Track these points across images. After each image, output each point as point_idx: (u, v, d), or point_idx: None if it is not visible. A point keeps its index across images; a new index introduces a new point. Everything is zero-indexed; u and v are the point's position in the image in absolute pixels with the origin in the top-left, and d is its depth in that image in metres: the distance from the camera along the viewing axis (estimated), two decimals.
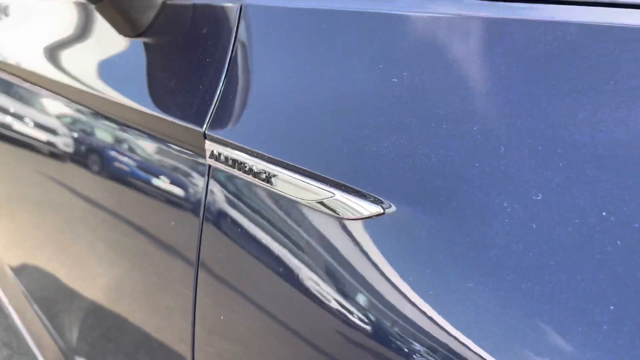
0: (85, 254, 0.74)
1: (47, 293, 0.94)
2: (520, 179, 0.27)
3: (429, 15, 0.33)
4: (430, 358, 0.28)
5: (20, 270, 1.04)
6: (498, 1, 0.32)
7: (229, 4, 0.48)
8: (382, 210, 0.31)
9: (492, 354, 0.25)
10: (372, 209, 0.31)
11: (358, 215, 0.32)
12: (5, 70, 0.93)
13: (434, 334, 0.28)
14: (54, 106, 0.77)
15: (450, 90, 0.30)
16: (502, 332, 0.25)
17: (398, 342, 0.29)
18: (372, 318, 0.31)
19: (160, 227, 0.54)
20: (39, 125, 0.81)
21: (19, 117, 0.88)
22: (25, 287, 1.03)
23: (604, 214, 0.24)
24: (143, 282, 0.59)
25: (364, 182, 0.32)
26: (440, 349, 0.27)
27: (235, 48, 0.46)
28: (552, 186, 0.26)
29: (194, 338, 0.50)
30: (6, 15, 0.97)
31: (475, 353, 0.26)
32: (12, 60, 0.88)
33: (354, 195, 0.33)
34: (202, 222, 0.46)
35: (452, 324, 0.27)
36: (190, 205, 0.48)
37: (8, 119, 0.93)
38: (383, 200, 0.31)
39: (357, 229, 0.32)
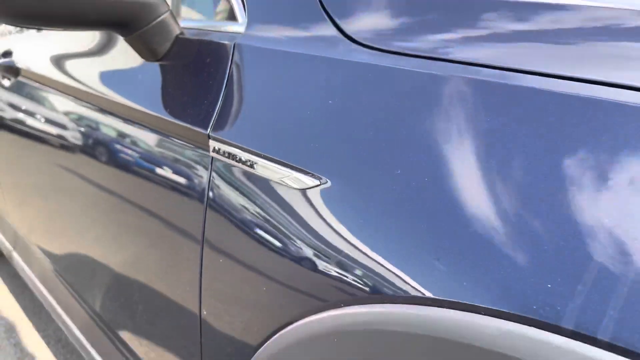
0: (103, 234, 0.92)
1: (72, 268, 1.12)
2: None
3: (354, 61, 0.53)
4: (360, 282, 0.46)
5: (49, 251, 1.23)
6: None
7: (226, 42, 0.67)
8: (319, 183, 0.50)
9: (410, 276, 0.43)
10: (313, 182, 0.51)
11: (305, 186, 0.51)
12: (42, 83, 1.12)
13: (363, 261, 0.46)
14: (86, 113, 0.96)
15: (372, 109, 0.50)
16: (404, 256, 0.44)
17: (338, 275, 0.48)
18: (323, 253, 0.50)
19: (172, 206, 0.72)
20: (72, 129, 1.00)
21: (50, 121, 1.07)
22: (54, 265, 1.22)
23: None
24: (156, 257, 0.78)
25: (310, 165, 0.51)
26: (369, 274, 0.46)
27: (230, 73, 0.65)
28: (444, 171, 0.45)
29: (201, 299, 0.68)
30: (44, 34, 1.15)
31: (395, 274, 0.44)
32: (53, 74, 1.06)
33: (302, 174, 0.52)
34: (207, 199, 0.65)
35: (365, 243, 0.46)
36: (197, 186, 0.67)
37: (39, 123, 1.11)
38: (321, 176, 0.50)
39: (305, 195, 0.52)
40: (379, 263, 0.44)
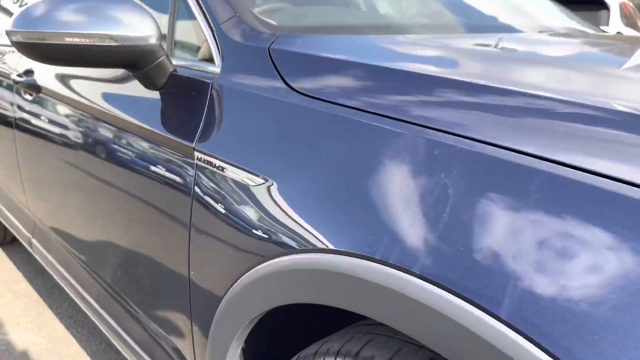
0: (111, 220, 1.18)
1: (85, 248, 1.39)
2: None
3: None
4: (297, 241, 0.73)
5: (65, 236, 1.49)
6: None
7: (207, 80, 0.94)
8: (264, 181, 0.77)
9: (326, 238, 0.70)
10: (261, 181, 0.78)
11: (253, 184, 0.78)
12: (60, 100, 1.38)
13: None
14: (97, 126, 1.22)
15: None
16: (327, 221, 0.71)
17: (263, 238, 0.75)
18: (262, 220, 0.77)
19: (167, 197, 0.99)
20: (85, 138, 1.26)
21: (66, 130, 1.33)
22: (70, 247, 1.49)
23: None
24: (155, 236, 1.04)
25: (260, 170, 0.78)
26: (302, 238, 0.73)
27: (210, 102, 0.92)
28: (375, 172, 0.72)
29: (189, 264, 0.95)
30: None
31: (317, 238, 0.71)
32: (69, 93, 1.32)
33: (255, 175, 0.79)
34: (193, 193, 0.91)
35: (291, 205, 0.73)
36: (186, 183, 0.94)
37: (56, 131, 1.37)
38: (267, 177, 0.77)
39: (257, 189, 0.79)
40: (303, 228, 0.71)
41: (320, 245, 0.68)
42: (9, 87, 1.70)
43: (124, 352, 1.28)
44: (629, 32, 6.90)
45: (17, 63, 1.66)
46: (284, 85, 0.83)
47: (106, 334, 1.38)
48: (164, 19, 1.11)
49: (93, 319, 1.46)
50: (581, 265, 0.48)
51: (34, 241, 1.75)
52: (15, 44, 0.97)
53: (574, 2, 6.97)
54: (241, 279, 0.78)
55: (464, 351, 0.52)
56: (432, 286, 0.55)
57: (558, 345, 0.46)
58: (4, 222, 2.14)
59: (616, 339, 0.43)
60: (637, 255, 0.46)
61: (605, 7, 6.83)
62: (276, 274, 0.73)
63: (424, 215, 0.60)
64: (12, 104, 1.67)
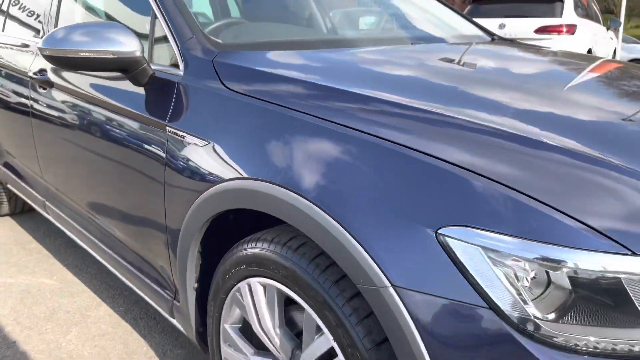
0: (107, 181, 1.67)
1: (90, 203, 1.88)
2: None
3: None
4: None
5: (74, 195, 1.99)
6: None
7: (174, 80, 1.43)
8: (208, 143, 1.27)
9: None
10: (205, 142, 1.28)
11: (202, 145, 1.28)
12: (67, 92, 1.86)
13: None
14: (97, 110, 1.70)
15: None
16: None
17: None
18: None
19: (148, 159, 1.48)
20: (87, 120, 1.74)
21: (72, 115, 1.81)
22: (74, 201, 1.98)
23: None
24: (142, 191, 1.53)
25: (205, 134, 1.28)
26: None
27: (177, 94, 1.41)
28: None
29: (165, 207, 1.44)
30: None
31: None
32: (75, 86, 1.80)
33: (201, 140, 1.29)
34: (166, 154, 1.41)
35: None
36: (160, 148, 1.43)
37: (65, 116, 1.85)
38: (209, 140, 1.27)
39: (204, 148, 1.28)
40: (231, 167, 1.20)
41: (240, 175, 1.18)
42: (25, 83, 2.17)
43: (119, 273, 1.78)
44: (581, 22, 7.41)
45: (31, 64, 2.14)
46: (222, 85, 1.33)
47: (105, 263, 1.88)
48: (145, 38, 1.59)
49: (94, 253, 1.96)
50: (351, 179, 0.99)
51: (48, 203, 2.24)
52: (45, 57, 1.46)
53: None
54: (197, 200, 1.28)
55: (301, 221, 1.03)
56: (290, 192, 1.06)
57: (336, 211, 0.96)
58: (19, 194, 2.62)
59: (368, 211, 0.94)
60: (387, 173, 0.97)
61: None
62: (217, 193, 1.22)
63: (293, 160, 1.10)
64: (28, 96, 2.14)
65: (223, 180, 1.21)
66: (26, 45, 2.28)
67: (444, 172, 0.90)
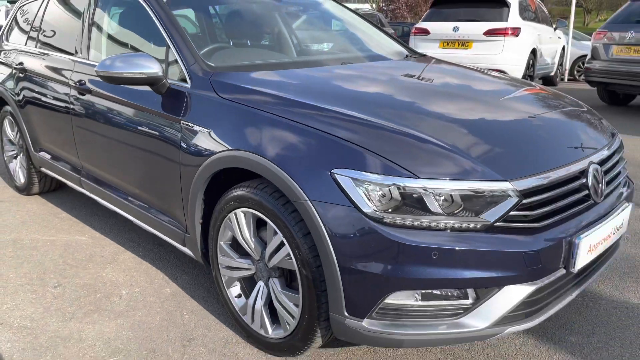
0: (131, 160, 2.46)
1: (115, 174, 2.68)
2: None
3: None
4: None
5: (101, 169, 2.78)
6: None
7: (184, 91, 2.24)
8: (207, 130, 2.08)
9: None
10: (205, 130, 2.09)
11: (203, 131, 2.09)
12: (103, 97, 2.65)
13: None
14: (128, 112, 2.49)
15: None
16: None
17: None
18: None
19: (168, 144, 2.27)
20: (121, 117, 2.53)
21: (103, 113, 2.59)
22: (105, 175, 2.78)
23: None
24: (159, 162, 2.33)
25: (204, 125, 2.10)
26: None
27: (186, 101, 2.22)
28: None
29: (181, 180, 2.24)
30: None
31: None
32: (111, 95, 2.60)
33: (203, 127, 2.10)
34: (180, 140, 2.21)
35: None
36: (176, 136, 2.23)
37: (98, 114, 2.64)
38: (207, 128, 2.08)
39: (202, 134, 2.09)
40: (222, 144, 2.01)
41: (227, 148, 1.99)
42: (66, 90, 2.95)
43: (144, 222, 2.58)
44: (525, 25, 8.32)
45: (71, 76, 2.91)
46: (216, 95, 2.14)
47: (131, 217, 2.67)
48: (162, 62, 2.39)
49: (123, 212, 2.75)
50: (290, 148, 1.81)
51: (83, 179, 3.02)
52: (100, 76, 2.26)
53: (481, 1, 8.44)
54: (201, 166, 2.09)
55: (263, 172, 1.84)
56: (257, 155, 1.87)
57: (282, 165, 1.78)
58: (54, 175, 3.39)
59: (298, 164, 1.76)
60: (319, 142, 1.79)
61: (506, 4, 8.26)
62: (213, 160, 2.03)
63: (259, 138, 1.92)
64: (69, 100, 2.92)
65: (217, 152, 2.02)
66: (65, 62, 3.05)
67: (338, 143, 1.73)
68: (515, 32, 8.08)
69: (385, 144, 1.72)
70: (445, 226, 1.61)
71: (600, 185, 1.90)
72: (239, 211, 2.00)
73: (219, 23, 3.25)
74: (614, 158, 2.11)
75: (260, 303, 2.02)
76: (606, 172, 2.00)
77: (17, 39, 3.84)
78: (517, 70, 8.17)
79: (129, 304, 2.40)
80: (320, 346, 1.94)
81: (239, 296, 2.14)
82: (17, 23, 3.96)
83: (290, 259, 1.81)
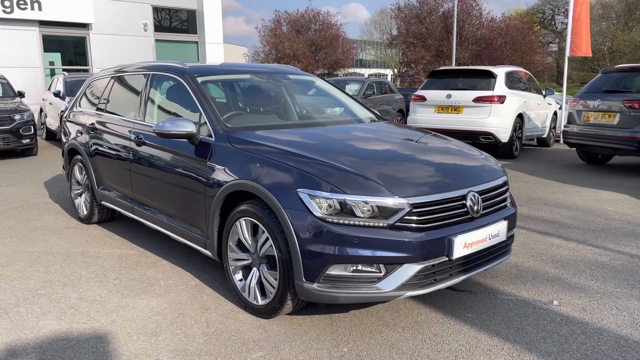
0: (170, 191, 3.56)
1: (159, 203, 3.79)
2: None
3: None
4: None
5: (149, 199, 3.91)
6: None
7: (210, 143, 3.37)
8: (224, 168, 3.18)
9: None
10: (224, 168, 3.19)
11: (223, 170, 3.19)
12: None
13: None
14: (171, 157, 3.62)
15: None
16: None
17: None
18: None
19: (195, 180, 3.37)
20: (166, 161, 3.66)
21: (158, 158, 3.73)
22: (152, 202, 3.90)
23: None
24: (190, 194, 3.42)
25: (223, 163, 3.20)
26: None
27: (212, 149, 3.34)
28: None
29: (205, 201, 3.32)
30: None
31: None
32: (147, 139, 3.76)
33: (222, 166, 3.20)
34: (206, 176, 3.31)
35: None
36: (204, 172, 3.32)
37: (152, 158, 3.78)
38: (225, 166, 3.18)
39: (220, 173, 3.19)
40: (233, 177, 3.10)
41: (236, 179, 3.07)
42: (127, 142, 4.13)
43: (177, 235, 3.65)
44: (510, 93, 9.45)
45: (131, 131, 4.11)
46: (231, 146, 3.25)
47: (169, 232, 3.75)
48: (196, 123, 3.54)
49: (162, 229, 3.82)
50: (275, 178, 2.89)
51: (134, 206, 4.15)
52: (155, 133, 3.42)
53: (472, 72, 9.81)
54: (218, 192, 3.16)
55: (258, 193, 2.91)
56: (255, 183, 2.95)
57: (270, 188, 2.85)
58: (111, 206, 4.53)
59: (279, 188, 2.83)
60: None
61: (493, 76, 9.44)
62: (226, 187, 3.11)
63: (258, 173, 3.01)
64: (129, 149, 4.10)
65: (229, 181, 3.11)
66: (127, 122, 4.26)
67: (302, 174, 2.81)
68: (501, 99, 9.20)
69: (330, 175, 2.79)
70: (365, 224, 2.64)
71: (475, 206, 2.91)
72: (242, 220, 3.06)
73: (240, 95, 4.45)
74: (495, 189, 3.13)
75: (254, 282, 3.04)
76: (486, 199, 3.02)
77: (87, 105, 5.12)
78: (504, 132, 9.23)
79: (166, 289, 3.44)
80: (290, 310, 2.92)
81: (241, 280, 3.16)
82: (87, 94, 5.26)
83: (272, 247, 2.85)
